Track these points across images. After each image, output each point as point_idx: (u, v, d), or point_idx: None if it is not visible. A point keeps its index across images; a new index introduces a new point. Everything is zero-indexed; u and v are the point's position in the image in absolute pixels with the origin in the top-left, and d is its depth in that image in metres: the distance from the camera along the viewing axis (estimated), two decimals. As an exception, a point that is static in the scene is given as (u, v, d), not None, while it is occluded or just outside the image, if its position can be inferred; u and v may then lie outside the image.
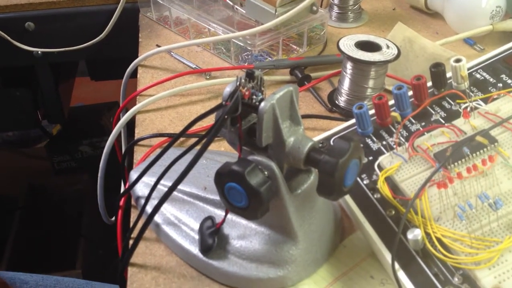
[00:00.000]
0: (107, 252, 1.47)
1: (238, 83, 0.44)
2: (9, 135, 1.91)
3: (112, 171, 0.74)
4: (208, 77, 0.77)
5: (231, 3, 0.84)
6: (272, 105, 0.43)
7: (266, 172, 0.44)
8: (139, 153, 0.64)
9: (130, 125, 0.71)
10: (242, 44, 0.77)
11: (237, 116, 0.44)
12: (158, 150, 0.64)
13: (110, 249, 1.38)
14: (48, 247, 1.46)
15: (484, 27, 0.82)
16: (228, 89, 0.45)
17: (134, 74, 0.81)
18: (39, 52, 1.01)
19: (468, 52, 0.83)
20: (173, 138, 0.46)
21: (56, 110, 1.17)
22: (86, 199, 1.61)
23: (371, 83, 0.67)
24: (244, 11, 0.81)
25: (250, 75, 0.45)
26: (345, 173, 0.42)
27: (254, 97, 0.44)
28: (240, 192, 0.43)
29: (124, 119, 0.67)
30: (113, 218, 0.80)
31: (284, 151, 0.45)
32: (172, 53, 0.83)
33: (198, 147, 0.43)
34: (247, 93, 0.44)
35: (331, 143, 0.57)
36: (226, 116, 0.43)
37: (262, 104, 0.43)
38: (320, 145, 0.57)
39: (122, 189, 0.78)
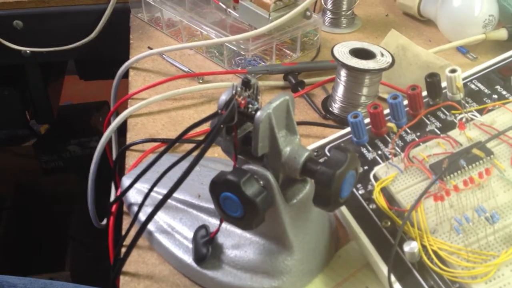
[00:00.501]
0: (96, 254, 1.46)
1: (234, 91, 0.43)
2: (-4, 134, 1.88)
3: (101, 173, 0.73)
4: (201, 81, 0.76)
5: (224, 6, 0.83)
6: (268, 114, 0.43)
7: (261, 182, 0.44)
8: (131, 158, 0.64)
9: (120, 128, 0.70)
10: (235, 48, 0.77)
11: (232, 125, 0.44)
12: (151, 155, 0.64)
13: (99, 251, 1.37)
14: (36, 248, 1.45)
15: (477, 36, 0.82)
16: (223, 97, 0.44)
17: (124, 75, 0.80)
18: (28, 51, 1.00)
19: (460, 60, 0.83)
20: (168, 145, 0.45)
21: (45, 110, 1.15)
22: (74, 199, 1.59)
23: (365, 90, 0.67)
24: (237, 15, 0.80)
25: (246, 84, 0.44)
26: (341, 184, 0.41)
27: (250, 106, 0.44)
28: (235, 202, 0.42)
29: (115, 123, 0.67)
30: (103, 222, 0.80)
31: (280, 161, 0.44)
32: (164, 56, 0.82)
33: (193, 154, 0.42)
34: (243, 102, 0.43)
35: (326, 151, 0.57)
36: (221, 125, 0.42)
37: (258, 113, 0.42)
38: (315, 153, 0.57)
39: (113, 194, 0.77)
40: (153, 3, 0.87)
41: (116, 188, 0.74)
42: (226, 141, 0.46)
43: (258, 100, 0.45)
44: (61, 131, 1.72)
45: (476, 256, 0.42)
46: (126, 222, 0.56)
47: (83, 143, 1.72)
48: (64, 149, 1.71)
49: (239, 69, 0.79)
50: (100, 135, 1.68)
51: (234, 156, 0.46)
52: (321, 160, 0.52)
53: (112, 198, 0.77)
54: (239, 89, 0.43)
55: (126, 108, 0.70)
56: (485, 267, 0.41)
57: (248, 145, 0.45)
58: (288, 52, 0.84)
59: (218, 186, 0.43)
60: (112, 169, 0.72)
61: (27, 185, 1.69)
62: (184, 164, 0.43)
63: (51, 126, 1.77)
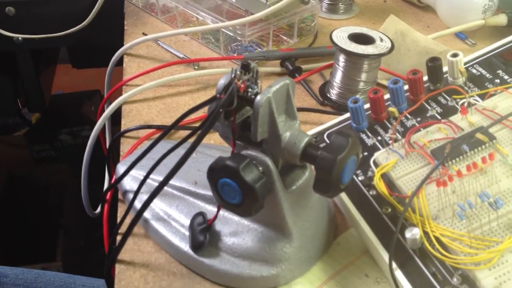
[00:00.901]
0: (88, 244, 1.45)
1: (233, 75, 0.42)
2: (-14, 123, 1.86)
3: (94, 162, 0.72)
4: (196, 67, 0.75)
5: (220, -8, 0.82)
6: (268, 98, 0.42)
7: (260, 168, 0.43)
8: (125, 145, 0.62)
9: (113, 116, 0.69)
10: (231, 34, 0.75)
11: (231, 110, 0.43)
12: (146, 142, 0.63)
13: (91, 241, 1.36)
14: (27, 238, 1.43)
15: (476, 22, 0.81)
16: (222, 81, 0.43)
17: (118, 63, 0.79)
18: (20, 38, 0.98)
19: (459, 46, 0.82)
20: (164, 131, 0.44)
21: (37, 98, 1.13)
22: (66, 189, 1.58)
23: (363, 76, 0.66)
24: (234, 0, 0.79)
25: (245, 67, 0.43)
26: (343, 170, 0.41)
27: (250, 90, 0.43)
28: (234, 188, 0.41)
29: (110, 109, 0.65)
30: (97, 211, 0.78)
31: (279, 146, 0.43)
32: (159, 42, 0.80)
33: (190, 141, 0.41)
34: (242, 85, 0.42)
35: (325, 138, 0.56)
36: (220, 110, 0.41)
37: (258, 97, 0.41)
38: (314, 139, 0.56)
39: (106, 182, 0.76)
40: (147, -12, 0.86)
41: (110, 176, 0.73)
42: (224, 126, 0.45)
43: (257, 84, 0.43)
44: (52, 120, 1.70)
45: (479, 242, 0.41)
46: (121, 209, 0.55)
47: (75, 132, 1.70)
48: (56, 139, 1.69)
49: (235, 55, 0.77)
50: (92, 124, 1.66)
51: (233, 142, 0.45)
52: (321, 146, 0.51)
53: (106, 185, 0.76)
54: (238, 72, 0.42)
55: (119, 96, 0.69)
56: (489, 253, 0.40)
57: (246, 130, 0.44)
58: (285, 38, 0.83)
59: (217, 172, 0.42)
60: (106, 156, 0.71)
61: (19, 175, 1.68)
62: (180, 151, 0.42)
63: (42, 116, 1.75)
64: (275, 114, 0.42)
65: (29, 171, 1.71)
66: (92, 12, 0.94)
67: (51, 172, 1.67)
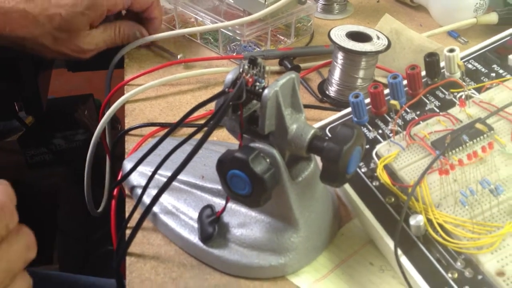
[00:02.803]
0: (85, 246, 1.45)
1: (241, 69, 0.43)
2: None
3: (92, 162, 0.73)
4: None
5: (218, -7, 0.83)
6: (276, 92, 0.43)
7: (268, 160, 0.44)
8: (130, 143, 0.63)
9: (111, 120, 0.70)
10: (230, 34, 0.77)
11: (238, 104, 0.44)
12: (150, 140, 0.64)
13: (88, 244, 1.36)
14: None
15: (468, 20, 0.83)
16: (230, 76, 0.44)
17: (117, 65, 0.79)
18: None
19: (452, 44, 0.84)
20: (171, 127, 0.45)
21: (35, 101, 1.14)
22: (61, 193, 1.58)
23: (361, 73, 0.68)
24: (232, 1, 0.80)
25: (253, 62, 0.44)
26: (349, 160, 0.42)
27: (257, 84, 0.44)
28: (243, 179, 0.43)
29: (113, 108, 0.66)
30: (99, 210, 0.79)
31: (286, 138, 0.45)
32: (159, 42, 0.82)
33: (196, 137, 0.42)
34: (250, 80, 0.43)
35: (327, 132, 0.57)
36: (230, 103, 0.42)
37: (266, 91, 0.43)
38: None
39: (107, 181, 0.77)
40: (145, -10, 0.87)
41: (113, 174, 0.74)
42: (231, 120, 0.46)
43: (264, 78, 0.45)
44: (45, 124, 1.70)
45: (481, 228, 0.43)
46: (127, 205, 0.56)
47: (68, 137, 1.70)
48: (49, 143, 1.69)
49: (234, 54, 0.79)
50: (86, 128, 1.66)
51: (240, 135, 0.46)
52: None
53: (107, 184, 0.77)
54: (246, 67, 0.43)
55: (119, 98, 0.70)
56: (490, 238, 0.42)
57: (253, 124, 0.46)
58: (282, 37, 0.84)
59: (226, 164, 0.43)
60: (110, 154, 0.72)
61: (13, 180, 1.67)
62: (186, 147, 0.43)
63: (36, 120, 1.75)
64: (282, 107, 0.44)
65: (23, 176, 1.71)
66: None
67: (45, 176, 1.67)
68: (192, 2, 0.83)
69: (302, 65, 0.76)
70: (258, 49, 0.80)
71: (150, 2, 0.75)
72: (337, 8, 0.93)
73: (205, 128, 0.42)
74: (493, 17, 0.83)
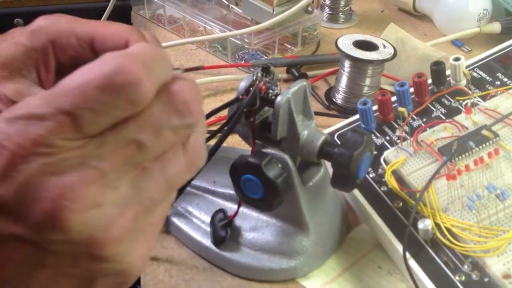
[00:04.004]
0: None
1: (254, 77, 0.45)
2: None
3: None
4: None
5: (226, 2, 0.85)
6: (288, 99, 0.44)
7: (279, 165, 0.45)
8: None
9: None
10: (239, 43, 0.78)
11: (251, 110, 0.45)
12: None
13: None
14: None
15: (472, 29, 0.84)
16: (244, 83, 0.45)
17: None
18: (27, 49, 1.00)
19: (456, 53, 0.85)
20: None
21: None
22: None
23: (368, 81, 0.69)
24: (240, 11, 0.82)
25: (266, 70, 0.46)
26: (359, 165, 0.43)
27: (270, 91, 0.45)
28: (256, 184, 0.44)
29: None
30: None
31: (298, 144, 0.46)
32: (168, 50, 0.83)
33: (210, 143, 0.44)
34: (263, 87, 0.45)
35: (335, 138, 0.58)
36: (244, 110, 0.43)
37: (279, 98, 0.44)
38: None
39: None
40: (155, 0, 0.89)
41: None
42: (244, 127, 0.48)
43: (277, 85, 0.46)
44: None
45: (488, 232, 0.44)
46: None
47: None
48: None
49: (242, 62, 0.80)
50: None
51: (252, 141, 0.47)
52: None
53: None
54: (259, 75, 0.45)
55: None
56: (497, 241, 0.43)
57: (265, 130, 0.47)
58: (289, 46, 0.86)
59: (239, 169, 0.45)
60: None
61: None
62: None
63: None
64: (294, 114, 0.45)
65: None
66: (99, 23, 0.96)
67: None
68: (200, 11, 0.84)
69: (308, 73, 0.78)
70: (266, 57, 0.81)
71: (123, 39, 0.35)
72: (342, 18, 0.94)
73: (218, 134, 0.44)
74: (496, 27, 0.85)
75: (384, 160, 0.53)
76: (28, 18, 0.99)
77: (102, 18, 0.95)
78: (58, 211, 0.22)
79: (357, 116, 0.59)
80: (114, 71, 0.22)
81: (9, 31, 0.44)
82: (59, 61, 0.33)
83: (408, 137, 0.53)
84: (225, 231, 0.50)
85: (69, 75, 0.23)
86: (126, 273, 0.25)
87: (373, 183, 0.52)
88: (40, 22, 0.38)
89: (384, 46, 0.69)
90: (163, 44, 0.80)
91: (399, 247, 0.46)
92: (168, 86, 0.25)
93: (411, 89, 0.57)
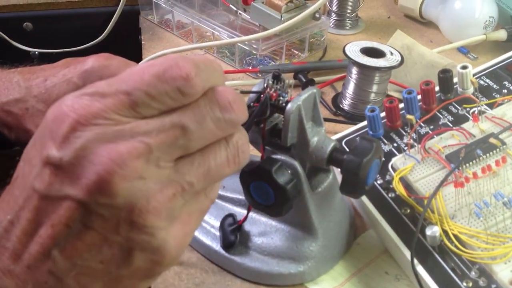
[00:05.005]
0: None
1: (265, 84, 0.46)
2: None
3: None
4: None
5: (234, 8, 0.86)
6: (298, 106, 0.45)
7: (289, 171, 0.46)
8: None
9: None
10: (247, 48, 0.79)
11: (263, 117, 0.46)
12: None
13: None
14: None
15: (478, 37, 0.85)
16: (255, 90, 0.46)
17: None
18: (36, 52, 1.01)
19: (462, 60, 0.86)
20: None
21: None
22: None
23: (375, 88, 0.70)
24: (248, 17, 0.83)
25: (276, 77, 0.46)
26: (368, 172, 0.44)
27: (281, 98, 0.46)
28: (266, 189, 0.44)
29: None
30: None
31: (307, 150, 0.47)
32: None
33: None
34: (274, 94, 0.45)
35: (343, 144, 0.59)
36: (255, 119, 0.44)
37: (289, 105, 0.45)
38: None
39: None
40: (164, 5, 0.90)
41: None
42: (254, 133, 0.48)
43: (288, 93, 0.47)
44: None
45: (495, 239, 0.44)
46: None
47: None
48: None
49: (250, 68, 0.81)
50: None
51: (262, 147, 0.48)
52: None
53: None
54: (270, 82, 0.45)
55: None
56: (504, 248, 0.43)
57: (274, 136, 0.48)
58: (296, 52, 0.87)
59: (250, 175, 0.45)
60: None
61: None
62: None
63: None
64: (304, 121, 0.46)
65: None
66: (108, 28, 0.98)
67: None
68: (208, 17, 0.85)
69: (315, 79, 0.78)
70: (273, 63, 0.82)
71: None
72: (349, 24, 0.95)
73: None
74: (502, 34, 0.85)
75: (392, 167, 0.54)
76: (37, 22, 1.01)
77: (111, 23, 0.97)
78: (108, 174, 0.25)
79: (364, 123, 0.60)
80: (169, 66, 0.27)
81: (58, 62, 0.50)
82: None
83: (415, 144, 0.54)
84: (234, 235, 0.50)
85: (134, 66, 0.29)
86: (161, 251, 0.28)
87: (381, 190, 0.53)
88: (93, 63, 0.47)
89: (391, 53, 0.69)
90: (171, 50, 0.81)
91: (407, 253, 0.47)
92: (215, 87, 0.29)
93: (419, 97, 0.58)
